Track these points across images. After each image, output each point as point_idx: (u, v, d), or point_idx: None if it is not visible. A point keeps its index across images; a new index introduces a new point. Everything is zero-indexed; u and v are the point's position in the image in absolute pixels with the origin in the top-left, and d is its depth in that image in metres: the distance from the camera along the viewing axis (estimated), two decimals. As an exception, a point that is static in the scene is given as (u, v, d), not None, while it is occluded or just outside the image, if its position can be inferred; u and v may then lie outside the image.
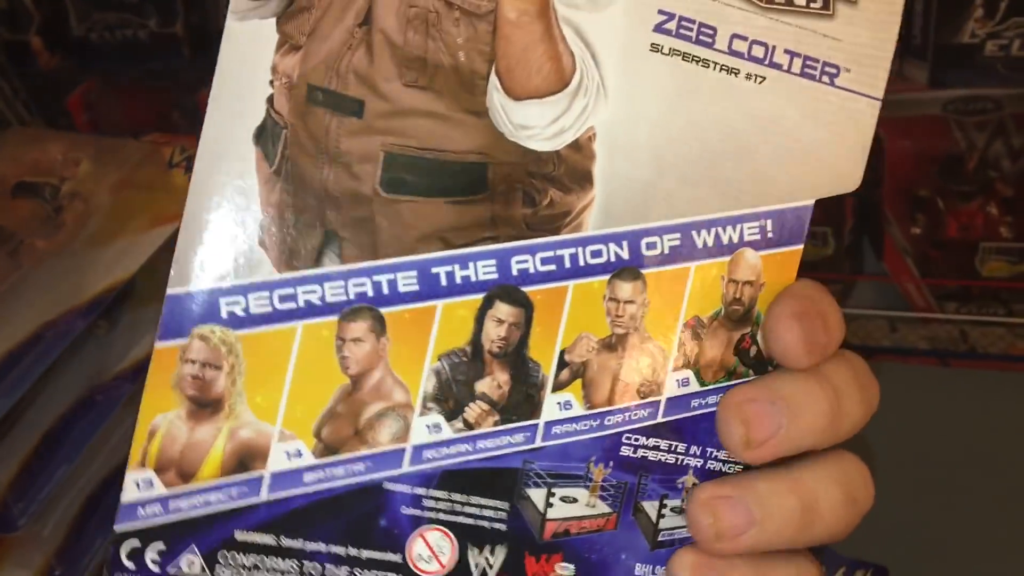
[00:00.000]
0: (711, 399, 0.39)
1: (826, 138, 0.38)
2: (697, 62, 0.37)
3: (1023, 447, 0.98)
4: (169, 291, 0.34)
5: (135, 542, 0.35)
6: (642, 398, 0.38)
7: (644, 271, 0.38)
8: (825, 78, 0.38)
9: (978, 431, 0.99)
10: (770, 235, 0.38)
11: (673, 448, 0.39)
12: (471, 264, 0.36)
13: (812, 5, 0.37)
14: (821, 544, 0.38)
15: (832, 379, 0.37)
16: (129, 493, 0.35)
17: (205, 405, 0.35)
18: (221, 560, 0.35)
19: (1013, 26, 0.75)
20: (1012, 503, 0.98)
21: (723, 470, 0.39)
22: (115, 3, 0.97)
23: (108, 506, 0.56)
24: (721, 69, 0.37)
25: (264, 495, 0.36)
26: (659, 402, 0.38)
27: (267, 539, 0.36)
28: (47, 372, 0.51)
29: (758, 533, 0.36)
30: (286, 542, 0.36)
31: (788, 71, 0.37)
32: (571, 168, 0.37)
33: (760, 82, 0.37)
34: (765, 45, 0.37)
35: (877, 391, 0.38)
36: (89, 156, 0.59)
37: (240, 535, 0.36)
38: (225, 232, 0.35)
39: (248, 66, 0.35)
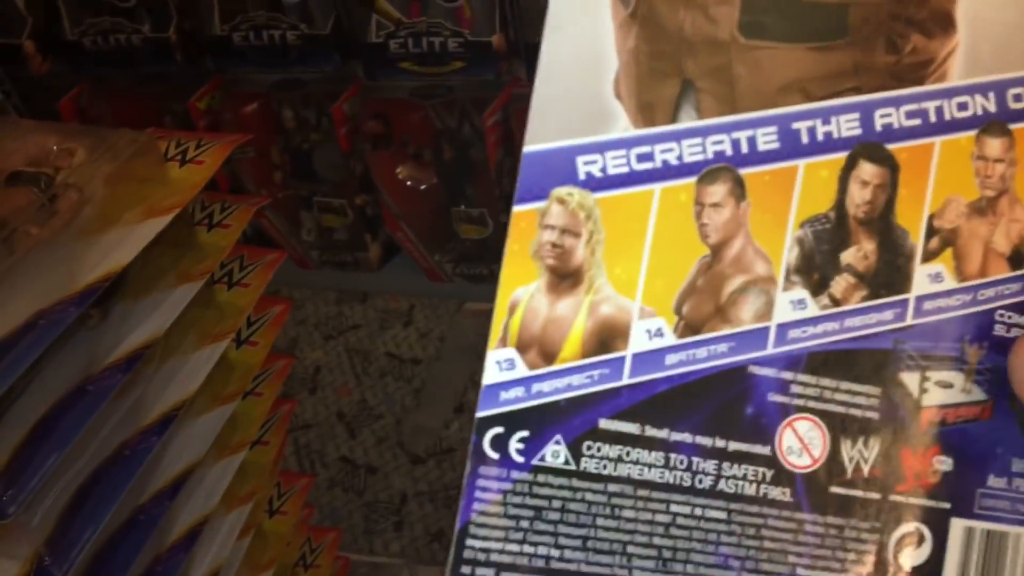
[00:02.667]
0: None
1: None
2: None
3: None
4: (526, 149, 0.30)
5: (499, 429, 0.31)
6: (1014, 269, 0.34)
7: (1012, 126, 0.33)
8: None
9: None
10: None
11: None
12: (833, 119, 0.32)
13: None
14: None
15: None
16: (491, 374, 0.30)
17: (565, 277, 0.31)
18: (586, 451, 0.31)
19: None
20: None
21: None
22: (109, 8, 0.93)
23: (98, 497, 0.54)
24: None
25: (626, 378, 0.31)
26: None
27: (632, 428, 0.31)
28: (39, 361, 0.48)
29: None
30: (651, 431, 0.31)
31: None
32: (933, 10, 0.33)
33: None
34: None
35: None
36: (84, 147, 0.56)
37: (605, 423, 0.31)
38: (579, 82, 0.31)
39: None
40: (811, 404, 0.32)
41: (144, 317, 0.57)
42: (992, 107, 0.33)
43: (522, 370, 0.30)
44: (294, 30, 0.89)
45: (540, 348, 0.30)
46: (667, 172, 0.31)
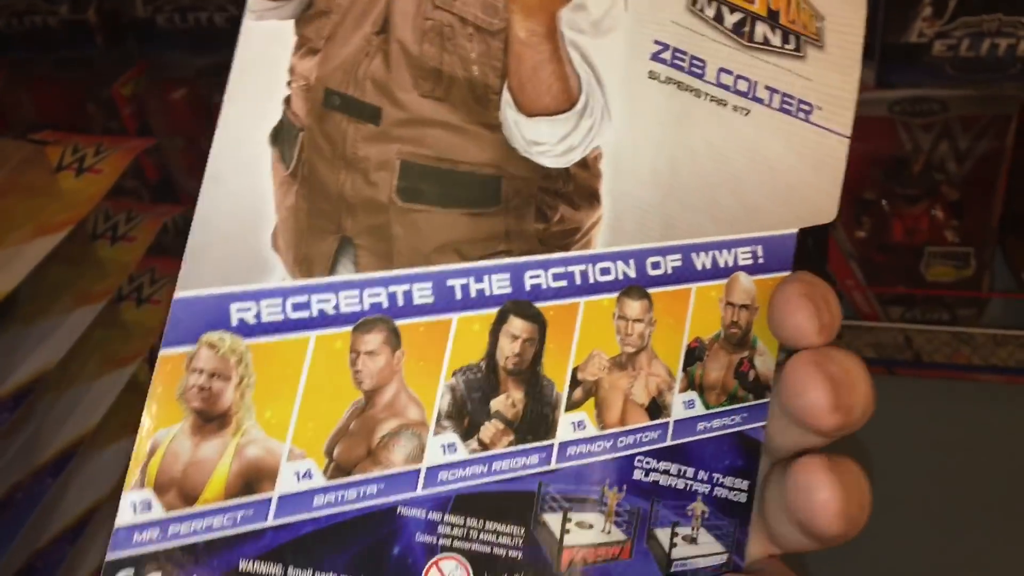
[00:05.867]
0: (715, 423, 0.38)
1: (805, 171, 0.40)
2: (690, 91, 0.38)
3: (965, 456, 0.94)
4: (177, 295, 0.31)
5: (129, 571, 0.30)
6: (652, 419, 0.37)
7: (650, 290, 0.37)
8: (801, 114, 0.40)
9: (922, 440, 0.95)
10: (761, 260, 0.39)
11: (682, 472, 0.38)
12: (486, 277, 0.35)
13: (786, 47, 0.40)
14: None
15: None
16: (124, 516, 0.30)
17: (211, 419, 0.32)
18: None
19: (961, 26, 0.73)
20: (956, 512, 0.95)
21: (729, 498, 0.38)
22: (24, -13, 0.88)
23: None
24: (711, 100, 0.38)
25: (271, 519, 0.32)
26: (668, 424, 0.37)
27: (274, 569, 0.32)
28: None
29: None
30: (293, 572, 0.32)
31: (769, 106, 0.39)
32: (580, 185, 0.37)
33: (746, 114, 0.39)
34: (748, 80, 0.39)
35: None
36: (-38, 158, 0.52)
37: (245, 564, 0.32)
38: (238, 234, 0.32)
39: (265, 66, 0.33)
40: (457, 544, 0.34)
41: (36, 345, 0.52)
42: (632, 272, 0.37)
43: (159, 512, 0.31)
44: (222, 12, 0.86)
45: (180, 489, 0.31)
46: (323, 321, 0.33)
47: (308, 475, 0.32)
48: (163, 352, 0.31)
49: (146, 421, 0.31)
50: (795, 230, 0.39)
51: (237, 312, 0.32)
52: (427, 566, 0.34)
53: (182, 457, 0.31)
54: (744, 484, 0.38)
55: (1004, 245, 0.87)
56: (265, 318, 0.32)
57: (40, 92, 0.97)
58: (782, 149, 0.39)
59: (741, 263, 0.38)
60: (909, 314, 0.91)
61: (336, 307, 0.33)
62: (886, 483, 0.96)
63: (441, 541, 0.34)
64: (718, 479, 0.38)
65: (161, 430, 0.31)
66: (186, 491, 0.31)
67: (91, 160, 0.56)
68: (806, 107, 0.39)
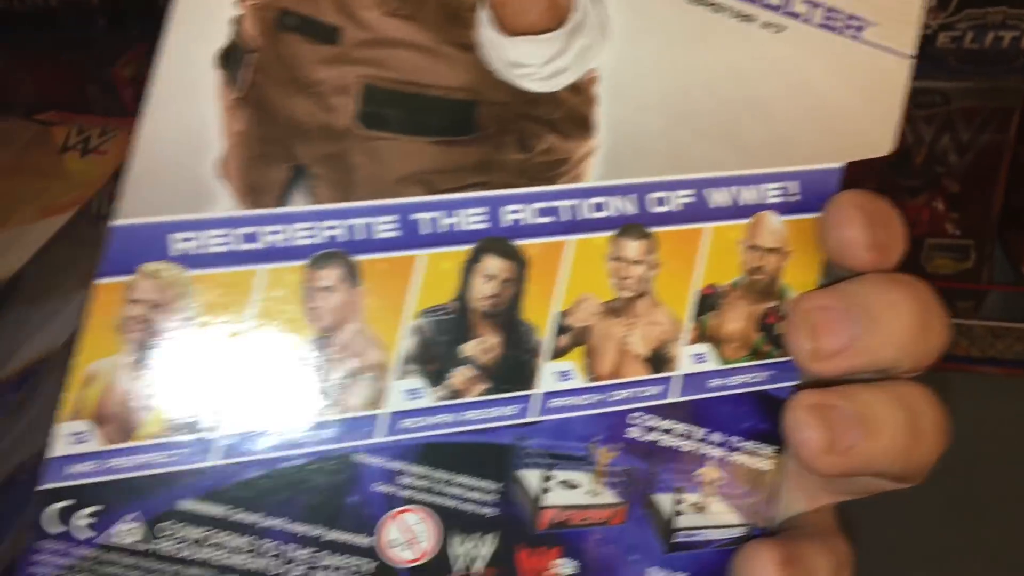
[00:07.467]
0: (733, 380, 0.34)
1: (853, 97, 0.34)
2: (708, 5, 0.34)
3: (963, 448, 0.92)
4: (115, 223, 0.30)
5: (63, 503, 0.30)
6: (652, 372, 0.33)
7: (652, 229, 0.33)
8: (850, 31, 0.34)
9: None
10: (794, 198, 0.34)
11: (689, 434, 0.33)
12: (458, 212, 0.32)
13: (830, -47, 0.35)
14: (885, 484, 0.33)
15: (917, 288, 0.32)
16: (60, 447, 0.30)
17: (153, 352, 0.31)
18: (163, 532, 0.30)
19: (966, 18, 0.73)
20: (955, 503, 0.92)
21: (749, 465, 0.34)
22: (23, -33, 0.92)
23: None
24: (734, 15, 0.34)
25: (216, 459, 0.31)
26: (671, 378, 0.33)
27: (218, 510, 0.31)
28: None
29: (870, 446, 0.31)
30: (239, 515, 0.31)
31: (808, 22, 0.34)
32: (570, 112, 0.33)
33: (778, 32, 0.34)
34: None
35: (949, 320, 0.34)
36: (-29, 135, 0.52)
37: (187, 504, 0.30)
38: (180, 160, 0.31)
39: None
40: (420, 496, 0.31)
41: (40, 326, 0.52)
42: (631, 209, 0.33)
43: (97, 444, 0.30)
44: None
45: (120, 423, 0.30)
46: (274, 253, 0.31)
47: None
48: (99, 282, 0.30)
49: (81, 351, 0.30)
50: (839, 164, 0.34)
51: (178, 243, 0.30)
52: (385, 518, 0.31)
53: (123, 390, 0.30)
54: (769, 450, 0.34)
55: (1004, 238, 0.85)
56: (209, 248, 0.31)
57: (38, 74, 0.95)
58: (823, 71, 0.34)
59: (769, 200, 0.34)
60: (910, 306, 0.87)
61: (289, 239, 0.31)
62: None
63: (403, 492, 0.31)
64: (736, 443, 0.34)
65: (98, 360, 0.30)
66: (127, 425, 0.30)
67: (96, 141, 0.57)
68: (857, 23, 0.34)
